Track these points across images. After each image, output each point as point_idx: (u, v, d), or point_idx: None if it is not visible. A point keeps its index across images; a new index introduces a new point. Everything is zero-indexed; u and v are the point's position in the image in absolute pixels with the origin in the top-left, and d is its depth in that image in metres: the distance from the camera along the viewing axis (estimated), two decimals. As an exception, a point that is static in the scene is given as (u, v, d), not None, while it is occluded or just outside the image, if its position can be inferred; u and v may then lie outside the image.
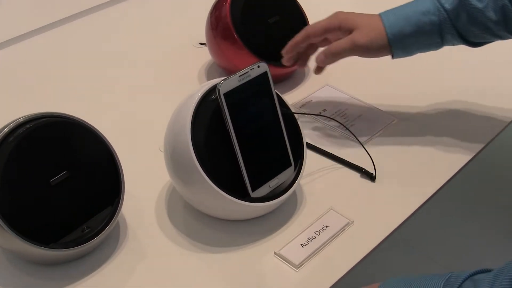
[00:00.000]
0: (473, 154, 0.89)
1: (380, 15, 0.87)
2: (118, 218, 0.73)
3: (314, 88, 1.02)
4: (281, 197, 0.76)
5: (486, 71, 1.07)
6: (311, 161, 0.87)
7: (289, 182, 0.78)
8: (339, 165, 0.87)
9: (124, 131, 0.95)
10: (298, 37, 0.91)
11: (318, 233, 0.76)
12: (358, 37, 0.85)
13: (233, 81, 0.71)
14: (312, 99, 0.99)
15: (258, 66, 0.73)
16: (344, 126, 0.90)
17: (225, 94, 0.70)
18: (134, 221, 0.79)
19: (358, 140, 0.87)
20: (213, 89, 0.74)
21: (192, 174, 0.71)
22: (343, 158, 0.87)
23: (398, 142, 0.91)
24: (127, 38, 1.22)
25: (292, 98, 1.00)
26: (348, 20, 0.87)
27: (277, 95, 0.77)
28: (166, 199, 0.82)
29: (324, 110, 0.97)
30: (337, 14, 0.89)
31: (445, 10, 0.83)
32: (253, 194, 0.74)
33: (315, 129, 0.94)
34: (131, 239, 0.76)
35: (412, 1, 0.87)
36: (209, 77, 1.07)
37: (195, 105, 0.73)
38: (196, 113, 0.72)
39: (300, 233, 0.76)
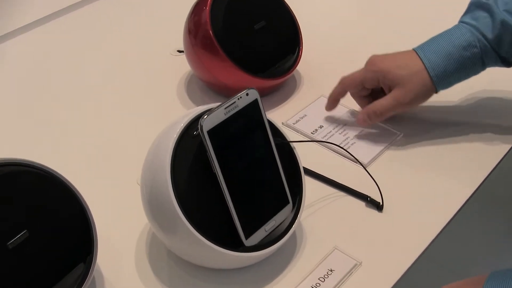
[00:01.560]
0: (490, 170, 0.80)
1: (418, 54, 0.81)
2: (93, 274, 0.63)
3: (308, 100, 0.92)
4: (279, 241, 0.66)
5: (498, 82, 0.97)
6: (309, 189, 0.77)
7: (287, 222, 0.68)
8: (341, 193, 0.77)
9: (94, 161, 0.84)
10: (336, 91, 0.87)
11: (322, 279, 0.67)
12: (402, 96, 0.81)
13: (218, 115, 0.61)
14: (306, 114, 0.89)
15: (247, 94, 0.63)
16: (344, 149, 0.80)
17: (209, 132, 0.60)
18: (112, 274, 0.68)
19: (361, 164, 0.77)
20: (196, 121, 0.64)
21: (173, 221, 0.61)
22: (345, 184, 0.78)
23: (406, 161, 0.82)
24: (91, 45, 1.10)
25: (284, 113, 0.90)
26: (387, 75, 0.81)
27: (269, 123, 0.67)
28: (147, 244, 0.71)
29: (321, 127, 0.87)
30: (373, 62, 0.83)
31: (486, 39, 0.79)
32: (248, 242, 0.64)
33: (312, 151, 0.83)
34: (109, 296, 0.66)
35: (448, 32, 0.82)
36: (189, 92, 0.96)
37: (175, 141, 0.62)
38: (177, 151, 0.62)
39: (302, 281, 0.67)
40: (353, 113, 0.89)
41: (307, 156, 0.80)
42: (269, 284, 0.67)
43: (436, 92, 0.82)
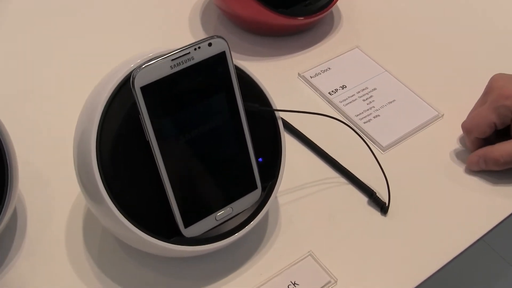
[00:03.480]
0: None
1: None
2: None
3: (339, 50, 0.74)
4: (230, 237, 0.51)
5: None
6: (304, 165, 0.61)
7: (251, 211, 0.53)
8: (343, 180, 0.61)
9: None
10: (469, 144, 0.63)
11: (281, 293, 0.52)
12: None
13: (161, 68, 0.45)
14: (330, 67, 0.71)
15: (210, 44, 0.47)
16: (356, 132, 0.62)
17: (144, 89, 0.45)
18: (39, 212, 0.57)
19: (372, 151, 0.59)
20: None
21: (95, 196, 0.48)
22: (349, 170, 0.61)
23: (437, 153, 0.63)
24: None
25: (304, 61, 0.72)
26: None
27: (250, 82, 0.51)
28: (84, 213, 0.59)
29: (343, 87, 0.69)
30: (506, 93, 0.59)
31: None
32: (187, 232, 0.50)
33: (319, 119, 0.66)
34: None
35: None
36: (204, 19, 0.79)
37: (110, 94, 0.47)
38: (111, 107, 0.47)
39: (255, 290, 0.53)
40: (388, 75, 0.70)
41: (311, 124, 0.64)
42: (212, 284, 0.53)
43: None
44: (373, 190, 0.59)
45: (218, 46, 0.47)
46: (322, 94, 0.68)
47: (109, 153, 0.47)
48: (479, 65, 0.73)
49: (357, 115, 0.66)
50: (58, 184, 0.60)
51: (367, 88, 0.69)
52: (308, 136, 0.64)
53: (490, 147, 0.61)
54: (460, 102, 0.66)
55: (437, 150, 0.64)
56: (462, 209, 0.59)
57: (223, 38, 0.47)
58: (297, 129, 0.64)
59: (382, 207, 0.58)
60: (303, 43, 0.75)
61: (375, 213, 0.58)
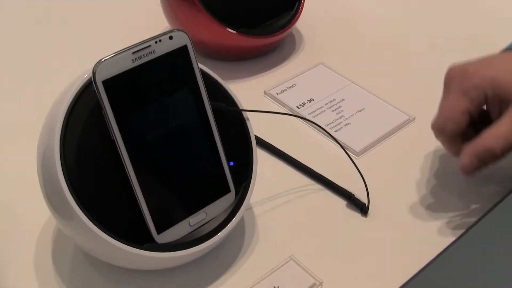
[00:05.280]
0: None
1: None
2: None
3: (303, 67, 0.74)
4: (206, 242, 0.49)
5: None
6: (277, 176, 0.60)
7: (226, 215, 0.51)
8: (318, 186, 0.59)
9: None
10: (446, 145, 0.56)
11: (264, 299, 0.49)
12: None
13: (122, 61, 0.44)
14: (296, 83, 0.71)
15: (171, 38, 0.46)
16: (327, 132, 0.61)
17: (106, 83, 0.43)
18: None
19: (346, 152, 0.58)
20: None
21: (63, 208, 0.45)
22: (324, 175, 0.59)
23: (413, 154, 0.63)
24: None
25: (270, 80, 0.72)
26: (499, 85, 0.52)
27: (213, 82, 0.50)
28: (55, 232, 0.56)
29: (310, 101, 0.68)
30: (467, 75, 0.53)
31: None
32: (160, 238, 0.47)
33: (292, 129, 0.65)
34: None
35: None
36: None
37: (72, 97, 0.46)
38: (73, 110, 0.46)
39: (237, 297, 0.50)
40: (356, 86, 0.70)
41: (283, 133, 0.63)
42: (193, 297, 0.50)
43: None
44: (350, 193, 0.57)
45: (179, 40, 0.46)
46: (290, 109, 0.67)
47: (74, 162, 0.44)
48: (443, 67, 0.74)
49: (327, 124, 0.65)
50: (25, 210, 0.57)
51: (334, 99, 0.68)
52: (277, 146, 0.62)
53: (476, 139, 0.51)
54: (430, 104, 0.66)
55: (411, 151, 0.63)
56: (441, 207, 0.57)
57: (184, 32, 0.46)
58: (264, 140, 0.63)
59: (362, 208, 0.56)
60: (267, 64, 0.75)
61: (355, 215, 0.56)
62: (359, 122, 0.65)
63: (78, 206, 0.44)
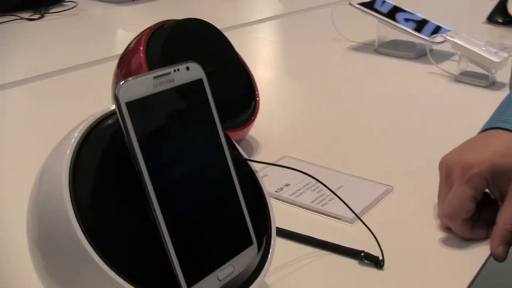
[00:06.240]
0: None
1: (507, 129, 0.60)
2: None
3: (269, 160, 0.72)
4: (242, 293, 0.43)
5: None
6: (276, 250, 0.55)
7: (252, 269, 0.45)
8: (322, 252, 0.56)
9: None
10: (459, 230, 0.58)
11: None
12: None
13: (143, 84, 0.41)
14: (267, 174, 0.69)
15: (187, 68, 0.44)
16: (330, 190, 0.59)
17: (130, 105, 0.39)
18: None
19: (350, 208, 0.56)
20: (108, 118, 0.44)
21: (78, 264, 0.38)
22: (328, 241, 0.56)
23: (404, 219, 0.61)
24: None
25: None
26: (497, 170, 0.57)
27: (223, 131, 0.48)
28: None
29: (287, 185, 0.66)
30: (466, 165, 0.57)
31: None
32: (191, 292, 0.41)
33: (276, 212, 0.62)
34: None
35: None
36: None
37: (76, 142, 0.41)
38: (79, 156, 0.41)
39: None
40: (327, 170, 0.69)
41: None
42: None
43: None
44: (360, 250, 0.54)
45: (196, 72, 0.44)
46: (268, 193, 0.64)
47: (89, 205, 0.39)
48: (405, 138, 0.77)
49: (312, 201, 0.63)
50: None
51: (310, 182, 0.67)
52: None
53: (496, 227, 0.56)
54: (403, 173, 0.67)
55: (399, 216, 0.62)
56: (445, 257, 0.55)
57: (199, 65, 0.45)
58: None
59: (377, 262, 0.53)
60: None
61: (372, 270, 0.53)
62: (343, 196, 0.63)
63: (104, 260, 0.38)
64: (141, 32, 0.74)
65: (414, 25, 1.11)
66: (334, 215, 0.61)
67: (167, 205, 0.40)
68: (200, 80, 0.44)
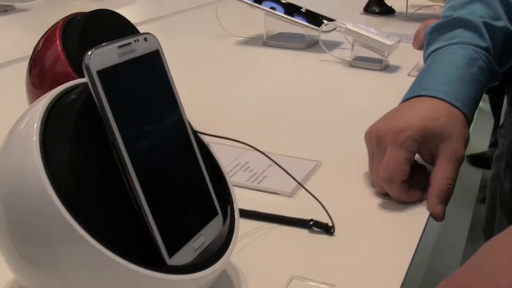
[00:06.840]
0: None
1: (431, 96, 0.63)
2: None
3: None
4: (219, 260, 0.43)
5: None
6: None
7: (221, 240, 0.45)
8: (271, 225, 0.56)
9: None
10: (397, 192, 0.60)
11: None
12: (457, 149, 0.60)
13: (110, 54, 0.39)
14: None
15: (145, 39, 0.43)
16: (274, 162, 0.60)
17: (100, 74, 0.38)
18: None
19: (294, 179, 0.57)
20: (69, 92, 0.42)
21: (66, 238, 0.36)
22: (274, 213, 0.57)
23: (339, 189, 0.64)
24: None
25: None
26: (426, 133, 0.60)
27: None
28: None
29: (218, 167, 0.66)
30: (397, 130, 0.60)
31: (479, 46, 0.69)
32: (172, 262, 0.40)
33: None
34: None
35: (440, 60, 0.70)
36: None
37: (43, 112, 0.39)
38: (46, 130, 0.39)
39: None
40: (252, 151, 0.70)
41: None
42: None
43: (469, 124, 0.64)
44: (308, 219, 0.56)
45: (152, 43, 0.43)
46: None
47: (67, 179, 0.37)
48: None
49: (247, 180, 0.63)
50: None
51: (240, 163, 0.67)
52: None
53: (431, 188, 0.59)
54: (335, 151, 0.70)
55: (332, 191, 0.64)
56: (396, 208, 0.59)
57: (154, 36, 0.44)
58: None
59: (327, 229, 0.55)
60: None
61: (323, 237, 0.54)
62: (275, 174, 0.65)
63: (86, 230, 0.36)
64: (49, 28, 0.71)
65: (303, 17, 1.15)
66: (272, 191, 0.62)
67: (143, 175, 0.39)
68: (157, 51, 0.44)
